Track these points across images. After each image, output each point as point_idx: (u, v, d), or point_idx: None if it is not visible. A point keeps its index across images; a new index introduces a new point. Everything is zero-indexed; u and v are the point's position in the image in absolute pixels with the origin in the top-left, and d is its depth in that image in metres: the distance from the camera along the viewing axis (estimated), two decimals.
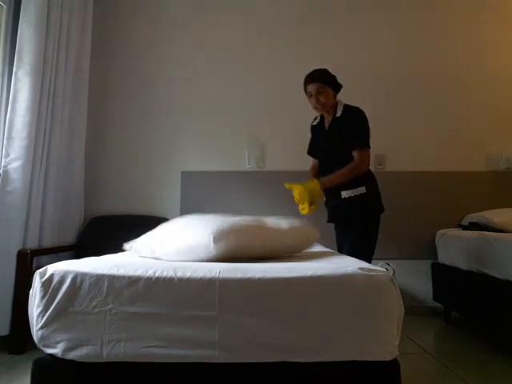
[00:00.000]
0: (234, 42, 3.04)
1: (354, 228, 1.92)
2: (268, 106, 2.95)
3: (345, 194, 1.92)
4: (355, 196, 1.90)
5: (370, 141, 1.94)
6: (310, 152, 2.19)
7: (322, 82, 1.92)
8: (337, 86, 1.98)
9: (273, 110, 2.93)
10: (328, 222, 2.11)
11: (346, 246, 1.95)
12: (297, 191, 1.87)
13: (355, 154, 1.87)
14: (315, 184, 1.85)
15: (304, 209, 1.85)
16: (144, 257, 1.43)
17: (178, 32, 3.05)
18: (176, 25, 3.06)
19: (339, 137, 1.92)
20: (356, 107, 1.97)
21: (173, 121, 2.99)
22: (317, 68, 1.97)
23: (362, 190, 1.90)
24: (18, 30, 2.19)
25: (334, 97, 1.98)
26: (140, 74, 3.03)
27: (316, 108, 1.98)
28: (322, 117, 2.09)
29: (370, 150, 1.91)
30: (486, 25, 3.06)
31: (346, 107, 1.97)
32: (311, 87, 1.93)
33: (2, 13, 2.32)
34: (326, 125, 2.04)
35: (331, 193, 1.97)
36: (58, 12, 2.39)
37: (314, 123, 2.13)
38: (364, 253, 1.79)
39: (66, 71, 2.52)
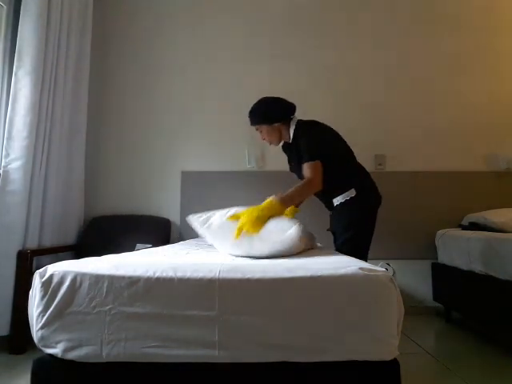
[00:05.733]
0: (234, 42, 3.04)
1: (348, 233, 1.86)
2: None
3: (336, 201, 1.88)
4: (346, 201, 1.84)
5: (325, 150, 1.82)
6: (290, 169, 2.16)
7: (252, 123, 1.94)
8: (273, 118, 1.88)
9: None
10: (328, 230, 2.07)
11: (343, 247, 1.86)
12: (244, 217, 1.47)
13: (303, 170, 1.76)
14: (268, 204, 1.55)
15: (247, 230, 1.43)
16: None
17: (178, 32, 3.05)
18: (176, 25, 3.06)
19: (296, 155, 1.87)
20: (301, 122, 1.88)
21: (173, 121, 2.99)
22: (252, 106, 1.93)
23: (351, 193, 1.83)
24: (17, 30, 2.19)
25: (285, 124, 1.90)
26: (140, 74, 3.03)
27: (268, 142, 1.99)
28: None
29: (320, 162, 1.75)
30: (487, 24, 3.06)
31: (296, 126, 1.88)
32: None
33: (2, 13, 2.32)
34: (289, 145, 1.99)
35: (326, 203, 1.97)
36: (58, 12, 2.40)
37: (281, 144, 2.07)
38: (362, 252, 1.81)
39: (66, 71, 2.52)
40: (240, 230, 1.41)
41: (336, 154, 1.84)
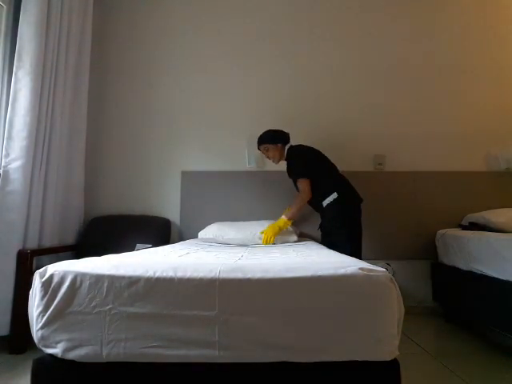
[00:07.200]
0: (233, 42, 3.04)
1: (339, 227, 2.25)
2: (268, 106, 2.96)
3: (324, 203, 2.32)
4: (331, 202, 2.29)
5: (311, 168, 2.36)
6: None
7: (261, 143, 2.51)
8: (277, 140, 2.47)
9: (273, 109, 2.94)
10: (318, 229, 2.54)
11: (338, 243, 2.18)
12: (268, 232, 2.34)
13: (297, 184, 2.36)
14: (279, 222, 2.33)
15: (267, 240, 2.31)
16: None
17: (177, 33, 3.05)
18: (176, 25, 3.06)
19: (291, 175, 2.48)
20: (291, 148, 2.47)
21: (173, 121, 2.99)
22: (261, 133, 2.51)
23: (334, 195, 2.28)
24: (17, 30, 2.19)
25: (283, 147, 2.48)
26: (140, 74, 3.03)
27: (271, 161, 2.57)
28: None
29: (309, 176, 2.33)
30: (487, 23, 3.06)
31: (287, 150, 2.47)
32: (261, 149, 2.54)
33: (2, 13, 2.32)
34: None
35: (316, 206, 2.42)
36: (58, 12, 2.39)
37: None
38: (356, 242, 2.24)
39: (66, 71, 2.52)
40: (265, 240, 2.28)
41: (320, 169, 2.37)
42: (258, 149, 2.55)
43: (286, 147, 2.48)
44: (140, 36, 3.06)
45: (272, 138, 2.48)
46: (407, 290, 2.75)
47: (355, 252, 2.10)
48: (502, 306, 1.90)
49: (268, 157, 2.53)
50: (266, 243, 2.25)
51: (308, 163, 2.37)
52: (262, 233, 2.31)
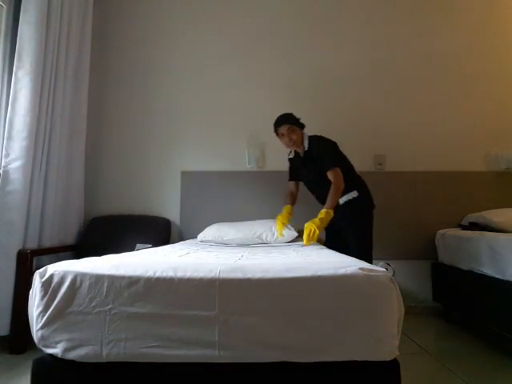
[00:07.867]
0: (233, 42, 3.04)
1: (354, 228, 2.16)
2: (268, 106, 2.96)
3: (341, 200, 2.16)
4: (349, 200, 2.17)
5: (339, 158, 2.21)
6: (291, 178, 2.47)
7: (290, 123, 2.23)
8: (301, 125, 2.28)
9: (273, 109, 2.93)
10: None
11: (350, 246, 2.14)
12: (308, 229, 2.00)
13: (329, 175, 2.11)
14: (323, 215, 2.00)
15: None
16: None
17: (177, 32, 3.06)
18: (175, 26, 3.06)
19: (313, 164, 2.22)
20: (316, 137, 2.25)
21: (173, 121, 2.99)
22: (283, 113, 2.27)
23: (354, 194, 2.17)
24: (17, 30, 2.19)
25: (301, 133, 2.26)
26: (140, 74, 3.03)
27: (288, 146, 2.28)
28: (295, 151, 2.38)
29: (341, 166, 2.13)
30: (487, 23, 3.06)
31: (310, 139, 2.25)
32: (282, 129, 2.22)
33: (2, 13, 2.32)
34: (302, 156, 2.33)
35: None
36: (58, 12, 2.40)
37: (291, 156, 2.43)
38: (368, 246, 2.15)
39: (66, 71, 2.52)
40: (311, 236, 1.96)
41: (343, 164, 2.19)
42: (276, 130, 2.26)
43: (305, 136, 2.26)
44: (140, 36, 3.06)
45: (300, 122, 2.27)
46: (407, 290, 2.75)
47: (367, 256, 2.06)
48: (502, 306, 1.90)
49: (289, 139, 2.21)
50: (308, 242, 1.97)
51: (338, 154, 2.23)
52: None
